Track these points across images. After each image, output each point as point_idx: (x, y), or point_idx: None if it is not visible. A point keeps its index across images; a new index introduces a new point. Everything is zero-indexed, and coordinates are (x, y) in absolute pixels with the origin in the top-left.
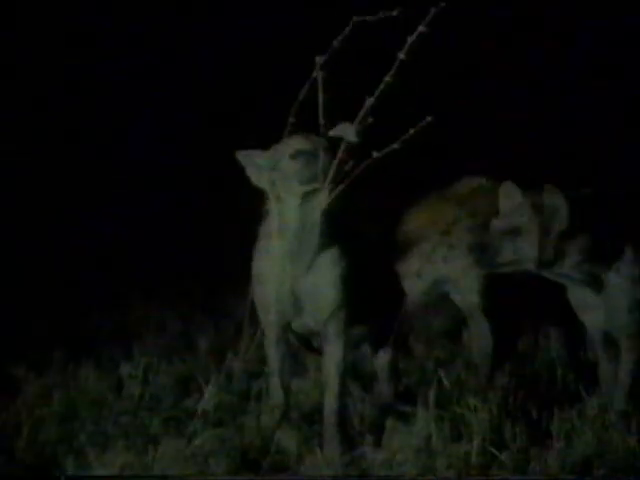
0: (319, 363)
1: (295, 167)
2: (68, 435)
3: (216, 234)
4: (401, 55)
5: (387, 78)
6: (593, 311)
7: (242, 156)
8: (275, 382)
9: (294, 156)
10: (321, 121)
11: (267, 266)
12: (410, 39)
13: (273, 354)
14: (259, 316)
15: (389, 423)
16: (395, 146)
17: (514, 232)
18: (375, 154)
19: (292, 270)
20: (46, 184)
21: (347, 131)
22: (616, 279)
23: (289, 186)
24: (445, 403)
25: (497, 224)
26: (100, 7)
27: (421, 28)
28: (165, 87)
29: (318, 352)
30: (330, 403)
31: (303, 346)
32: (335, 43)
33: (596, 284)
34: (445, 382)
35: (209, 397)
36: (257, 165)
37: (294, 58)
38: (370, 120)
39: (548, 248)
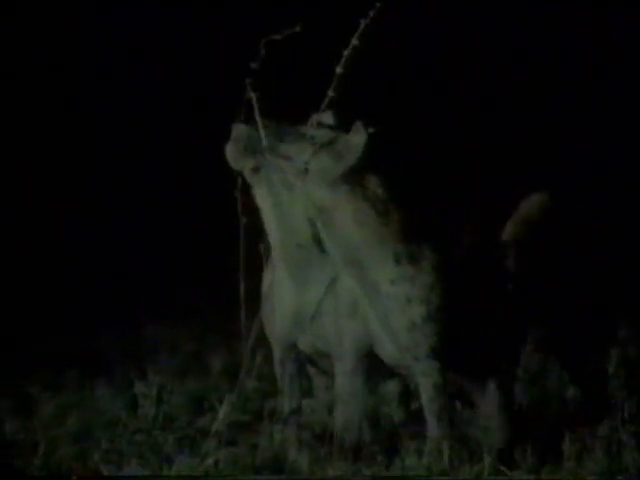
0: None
1: None
2: (83, 454)
3: (229, 253)
4: (339, 69)
5: (330, 93)
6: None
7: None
8: (282, 401)
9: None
10: (264, 143)
11: (270, 286)
12: (346, 52)
13: (279, 373)
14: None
15: (401, 443)
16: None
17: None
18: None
19: (292, 286)
20: (53, 203)
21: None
22: (389, 297)
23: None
24: (457, 422)
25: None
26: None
27: (354, 42)
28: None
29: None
30: (340, 423)
31: (314, 367)
32: (253, 65)
33: (371, 292)
34: (457, 402)
35: (222, 416)
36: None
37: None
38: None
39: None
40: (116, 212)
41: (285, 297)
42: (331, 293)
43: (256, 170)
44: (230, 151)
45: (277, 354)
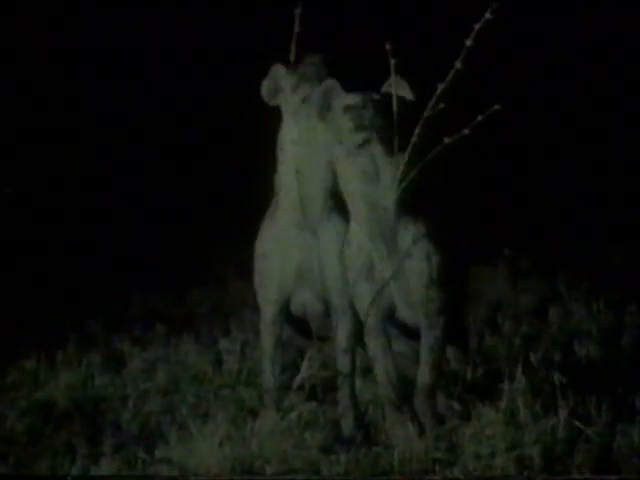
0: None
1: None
2: (171, 407)
3: None
4: (468, 42)
5: (457, 65)
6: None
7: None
8: (267, 366)
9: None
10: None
11: (272, 241)
12: (477, 26)
13: (267, 336)
14: (258, 295)
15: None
16: (466, 132)
17: None
18: (446, 139)
19: (298, 240)
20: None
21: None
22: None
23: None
24: (532, 378)
25: None
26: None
27: (487, 16)
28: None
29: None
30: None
31: (299, 333)
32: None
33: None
34: (532, 358)
35: (305, 372)
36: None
37: None
38: (441, 106)
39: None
40: (202, 171)
41: (290, 251)
42: (340, 247)
43: (305, 100)
44: (266, 87)
45: (268, 316)
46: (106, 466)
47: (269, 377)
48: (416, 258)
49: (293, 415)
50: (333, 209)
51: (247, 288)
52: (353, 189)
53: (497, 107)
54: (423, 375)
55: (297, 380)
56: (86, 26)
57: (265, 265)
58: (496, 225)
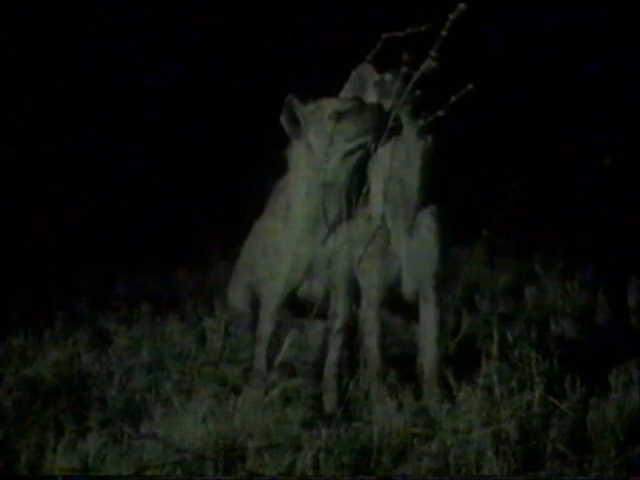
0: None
1: (338, 126)
2: (155, 384)
3: None
4: (444, 32)
5: (432, 53)
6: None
7: (290, 101)
8: (261, 350)
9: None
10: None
11: (286, 240)
12: (452, 17)
13: (267, 323)
14: (262, 286)
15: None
16: (440, 113)
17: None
18: (421, 122)
19: (312, 241)
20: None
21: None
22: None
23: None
24: (508, 355)
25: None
26: None
27: (461, 6)
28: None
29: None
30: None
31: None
32: (368, 58)
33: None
34: (509, 336)
35: (286, 349)
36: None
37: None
38: (418, 93)
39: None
40: (187, 155)
41: (302, 250)
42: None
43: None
44: (284, 119)
45: (272, 305)
46: (92, 441)
47: (263, 360)
48: (429, 216)
49: (275, 392)
50: (349, 210)
51: (232, 269)
52: (390, 172)
53: (470, 87)
54: (431, 351)
55: (279, 358)
56: (83, 22)
57: (276, 261)
58: (473, 206)
